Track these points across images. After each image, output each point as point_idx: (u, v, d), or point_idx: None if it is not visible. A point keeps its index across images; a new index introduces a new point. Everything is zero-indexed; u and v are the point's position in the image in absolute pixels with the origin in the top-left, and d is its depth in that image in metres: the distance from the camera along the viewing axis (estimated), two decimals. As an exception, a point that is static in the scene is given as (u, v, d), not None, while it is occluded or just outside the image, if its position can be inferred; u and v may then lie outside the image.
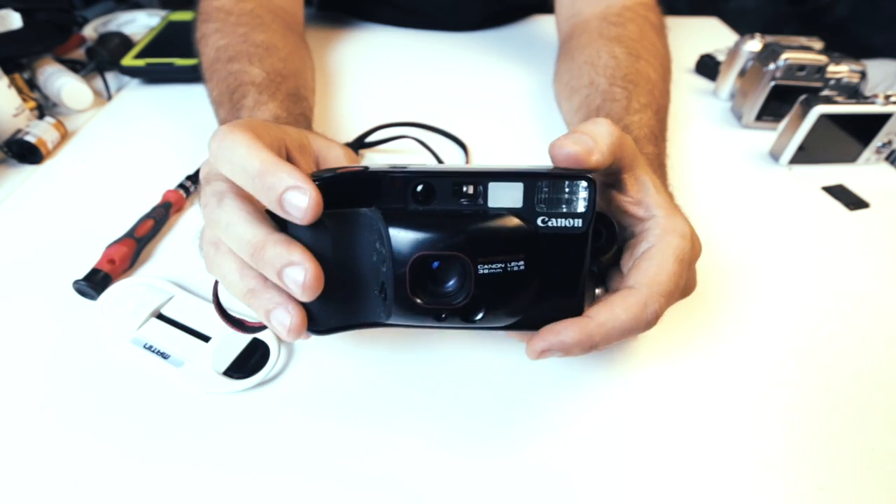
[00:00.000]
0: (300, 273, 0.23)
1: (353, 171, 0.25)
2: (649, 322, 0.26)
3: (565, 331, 0.26)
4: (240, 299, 0.26)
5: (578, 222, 0.25)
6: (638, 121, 0.41)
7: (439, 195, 0.25)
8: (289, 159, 0.29)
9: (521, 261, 0.25)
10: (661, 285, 0.27)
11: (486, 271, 0.25)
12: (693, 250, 0.29)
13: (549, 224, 0.25)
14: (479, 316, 0.26)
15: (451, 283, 0.26)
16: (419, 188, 0.25)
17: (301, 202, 0.22)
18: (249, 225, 0.24)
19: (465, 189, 0.25)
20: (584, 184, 0.25)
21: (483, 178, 0.25)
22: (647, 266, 0.27)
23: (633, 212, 0.29)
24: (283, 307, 0.25)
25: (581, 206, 0.25)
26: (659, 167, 0.38)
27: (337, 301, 0.26)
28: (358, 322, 0.27)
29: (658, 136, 0.41)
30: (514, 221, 0.25)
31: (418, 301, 0.25)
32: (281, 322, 0.25)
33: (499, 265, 0.25)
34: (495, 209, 0.25)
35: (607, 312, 0.26)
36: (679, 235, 0.28)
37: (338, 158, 0.32)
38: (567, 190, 0.25)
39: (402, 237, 0.25)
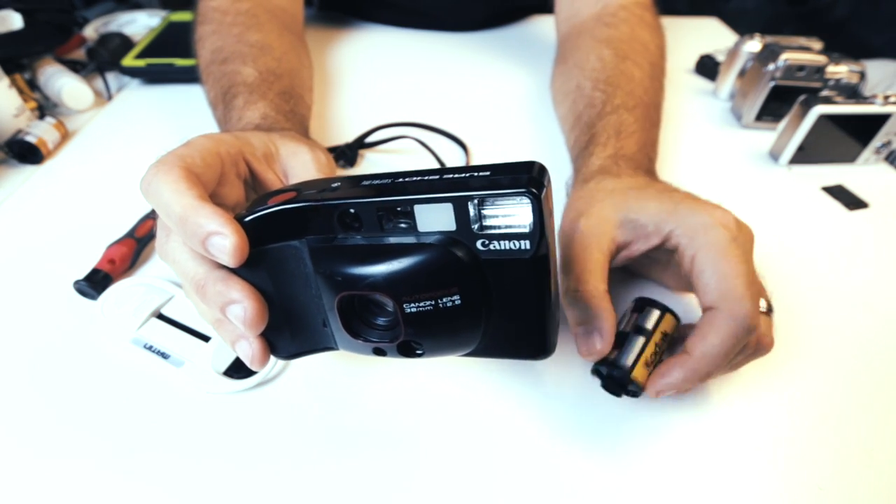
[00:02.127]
0: (240, 310, 0.24)
1: (276, 209, 0.23)
2: (749, 327, 0.27)
3: (671, 372, 0.27)
4: (212, 327, 0.27)
5: (525, 244, 0.21)
6: (605, 123, 0.42)
7: (365, 222, 0.22)
8: (250, 171, 0.29)
9: (454, 295, 0.22)
10: (733, 289, 0.27)
11: (414, 309, 0.23)
12: (728, 227, 0.29)
13: (492, 247, 0.22)
14: (420, 352, 0.24)
15: (382, 320, 0.25)
16: (343, 217, 0.23)
17: (224, 247, 0.22)
18: (192, 262, 0.25)
19: (389, 215, 0.22)
20: (523, 199, 0.20)
21: (407, 201, 0.21)
22: (707, 281, 0.28)
23: (654, 252, 0.31)
24: (245, 339, 0.26)
25: (525, 225, 0.21)
26: (626, 161, 0.38)
27: (292, 330, 0.27)
28: (317, 348, 0.28)
29: (628, 131, 0.41)
30: (444, 251, 0.22)
31: (356, 337, 0.25)
32: (244, 353, 0.26)
33: (428, 302, 0.22)
34: (427, 234, 0.22)
35: (701, 343, 0.27)
36: (702, 230, 0.29)
37: (304, 165, 0.31)
38: (503, 207, 0.21)
39: (327, 274, 0.23)
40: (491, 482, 0.28)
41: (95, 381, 0.32)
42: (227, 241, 0.22)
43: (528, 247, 0.21)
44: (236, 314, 0.24)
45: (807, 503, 0.28)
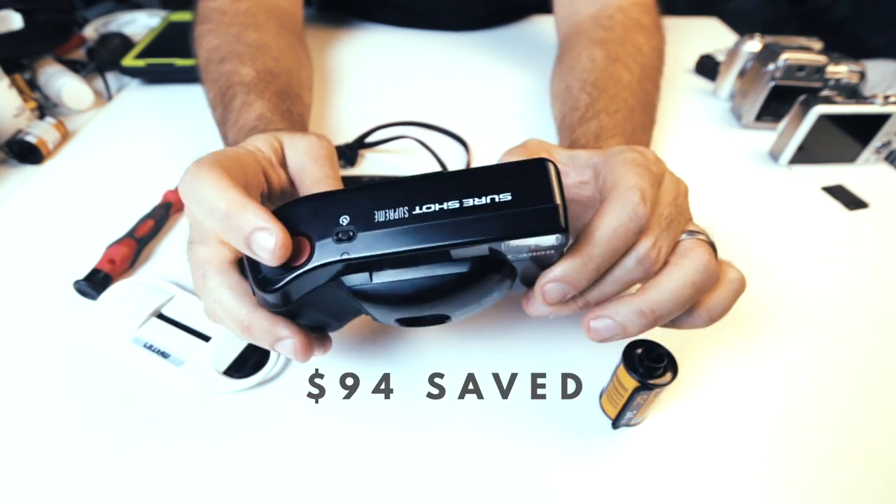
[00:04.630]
0: (290, 345, 0.26)
1: (305, 271, 0.23)
2: (636, 214, 0.24)
3: (561, 263, 0.25)
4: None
5: (551, 252, 0.23)
6: (584, 130, 0.42)
7: (400, 265, 0.23)
8: (266, 179, 0.29)
9: (493, 293, 0.25)
10: (626, 183, 0.26)
11: (462, 312, 0.26)
12: (642, 153, 0.28)
13: (520, 257, 0.24)
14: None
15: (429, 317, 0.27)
16: (378, 264, 0.23)
17: (268, 243, 0.22)
18: (235, 301, 0.26)
19: (424, 258, 0.23)
20: (556, 236, 0.22)
21: (442, 246, 0.22)
22: (607, 185, 0.27)
23: (583, 188, 0.30)
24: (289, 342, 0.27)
25: (551, 244, 0.23)
26: None
27: (338, 319, 0.29)
28: (361, 314, 0.29)
29: (606, 136, 0.41)
30: (480, 272, 0.23)
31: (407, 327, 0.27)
32: (292, 350, 0.26)
33: (474, 305, 0.26)
34: (461, 261, 0.23)
35: (587, 228, 0.25)
36: (618, 152, 0.28)
37: (298, 152, 0.30)
38: (537, 242, 0.22)
39: (375, 303, 0.24)
40: (491, 484, 0.28)
41: (95, 381, 0.32)
42: (272, 237, 0.22)
43: (552, 252, 0.23)
44: (287, 348, 0.26)
45: (807, 503, 0.28)
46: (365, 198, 0.22)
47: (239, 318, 0.26)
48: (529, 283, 0.26)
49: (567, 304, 0.27)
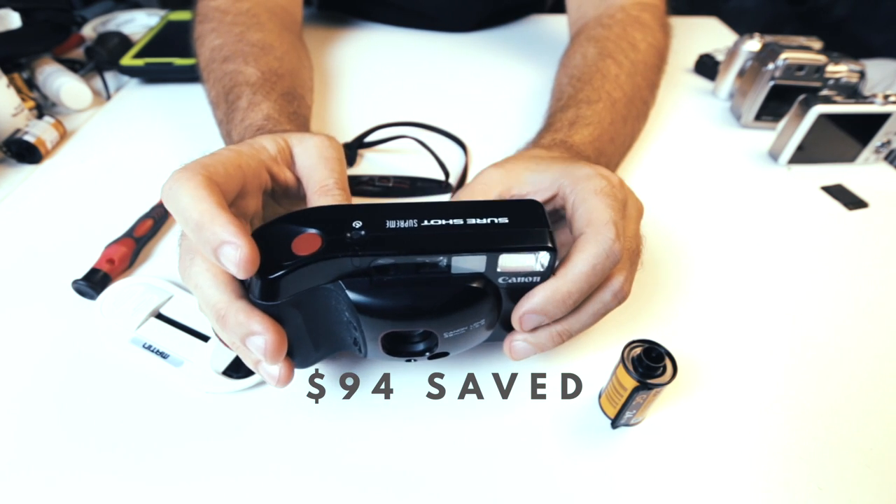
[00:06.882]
0: (261, 342, 0.24)
1: (310, 262, 0.23)
2: (611, 251, 0.26)
3: (534, 295, 0.26)
4: (228, 346, 0.28)
5: (536, 279, 0.26)
6: (562, 116, 0.43)
7: (403, 270, 0.25)
8: (272, 176, 0.29)
9: (481, 319, 0.27)
10: (599, 217, 0.27)
11: (451, 335, 0.27)
12: (607, 178, 0.29)
13: (511, 281, 0.26)
14: (446, 354, 0.29)
15: (421, 345, 0.28)
16: (381, 267, 0.24)
17: (233, 258, 0.22)
18: (215, 289, 0.25)
19: (427, 265, 0.25)
20: (544, 253, 0.25)
21: (446, 253, 0.24)
22: (578, 215, 0.28)
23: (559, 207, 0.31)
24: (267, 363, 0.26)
25: (539, 268, 0.26)
26: (567, 147, 0.39)
27: (315, 345, 0.28)
28: (338, 351, 0.30)
29: (583, 122, 0.41)
30: (477, 291, 0.25)
31: (395, 356, 0.28)
32: (269, 374, 0.26)
33: (462, 329, 0.27)
34: (458, 275, 0.25)
35: (564, 266, 0.27)
36: (585, 178, 0.29)
37: (307, 151, 0.31)
38: (527, 256, 0.25)
39: (370, 314, 0.25)
40: (491, 484, 0.28)
41: (94, 381, 0.32)
42: (237, 253, 0.22)
43: (537, 280, 0.26)
44: (256, 345, 0.24)
45: (807, 503, 0.28)
46: (377, 210, 0.25)
47: (217, 306, 0.25)
48: (510, 325, 0.28)
49: (551, 338, 0.28)
